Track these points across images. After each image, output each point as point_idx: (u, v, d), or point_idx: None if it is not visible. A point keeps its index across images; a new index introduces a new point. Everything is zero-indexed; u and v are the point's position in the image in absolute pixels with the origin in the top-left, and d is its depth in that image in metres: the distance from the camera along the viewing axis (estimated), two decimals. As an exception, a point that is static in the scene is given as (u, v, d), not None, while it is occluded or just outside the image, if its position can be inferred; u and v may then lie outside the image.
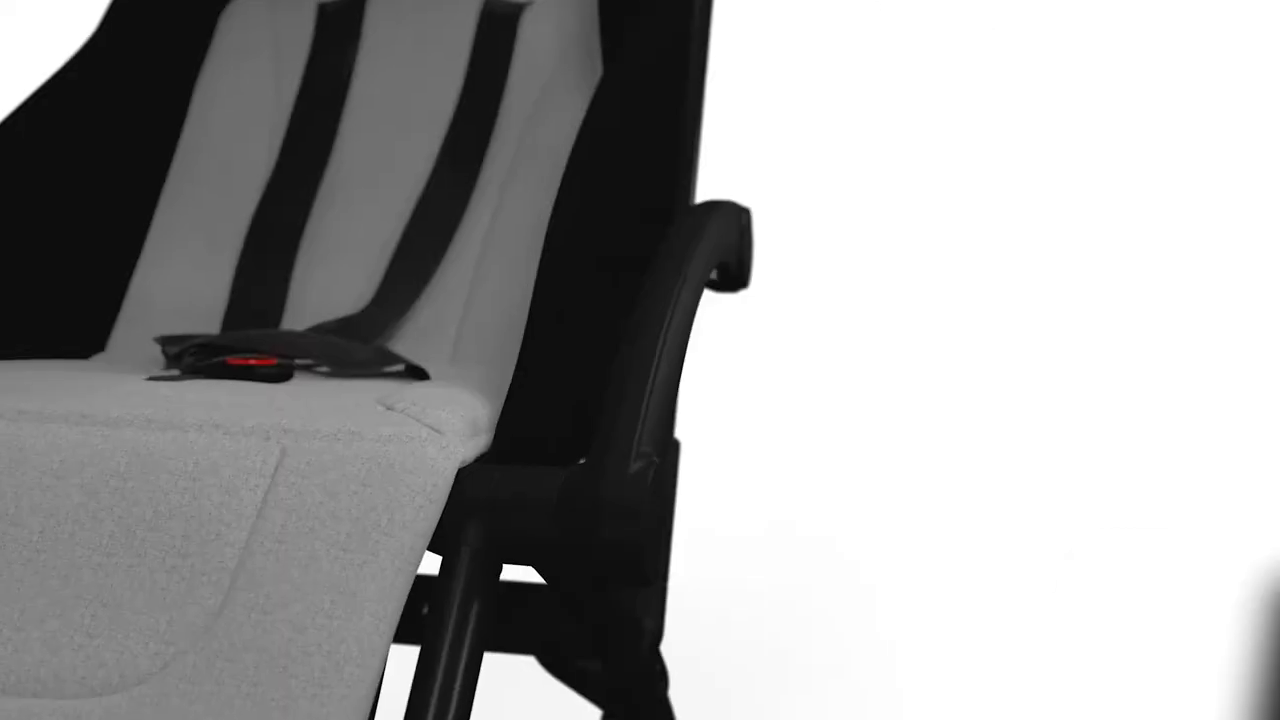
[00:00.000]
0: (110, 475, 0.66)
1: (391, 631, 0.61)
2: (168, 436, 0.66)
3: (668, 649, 0.95)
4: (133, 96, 1.09)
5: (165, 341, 0.94)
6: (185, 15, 1.11)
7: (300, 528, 0.62)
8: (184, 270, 1.05)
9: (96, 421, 0.68)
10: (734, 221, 0.92)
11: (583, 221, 0.79)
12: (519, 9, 1.06)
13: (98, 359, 1.02)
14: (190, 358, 0.90)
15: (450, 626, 0.62)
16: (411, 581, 0.62)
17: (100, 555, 0.64)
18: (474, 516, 0.64)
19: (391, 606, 0.61)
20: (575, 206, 0.78)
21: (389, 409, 0.69)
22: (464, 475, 0.65)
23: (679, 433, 0.97)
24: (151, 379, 0.79)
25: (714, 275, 0.96)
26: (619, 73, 0.89)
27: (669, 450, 0.91)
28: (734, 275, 0.95)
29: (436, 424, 0.67)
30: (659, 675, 0.91)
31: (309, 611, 0.61)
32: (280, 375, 0.88)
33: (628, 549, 0.63)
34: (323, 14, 1.10)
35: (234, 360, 0.88)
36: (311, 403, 0.71)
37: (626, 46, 0.92)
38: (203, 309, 1.03)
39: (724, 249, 0.90)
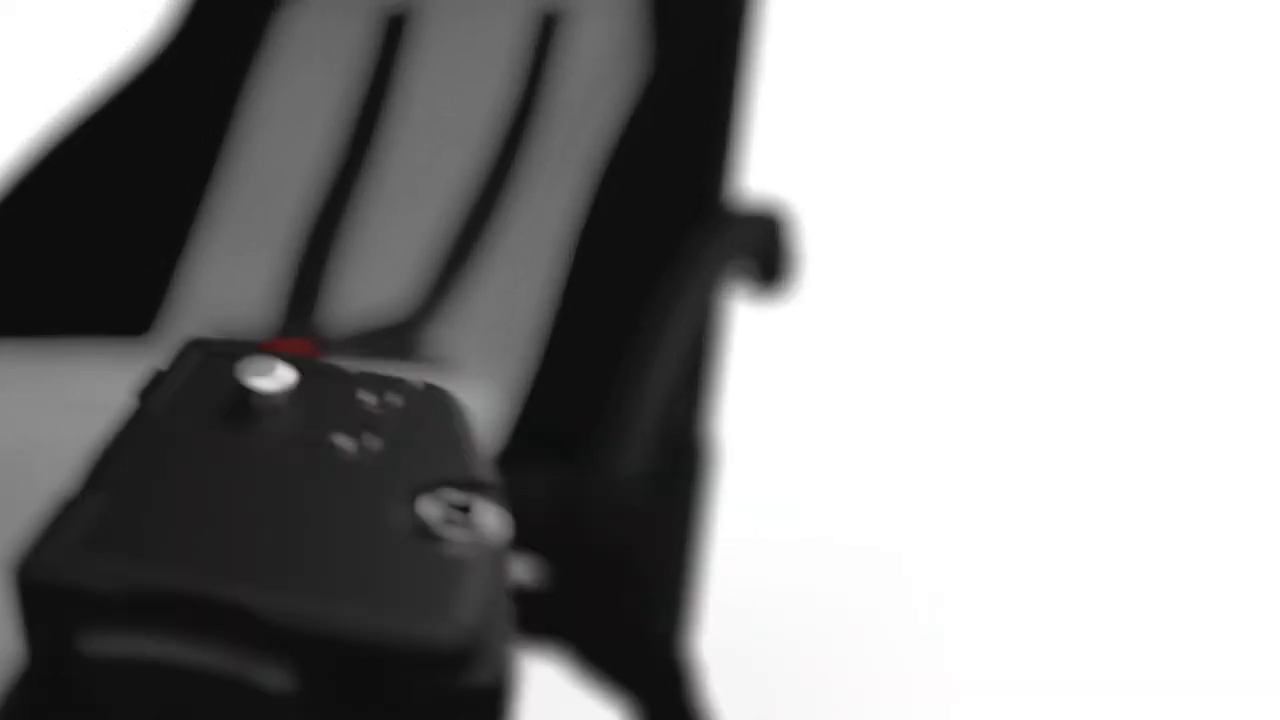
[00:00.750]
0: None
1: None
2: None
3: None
4: (190, 92, 1.11)
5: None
6: (243, 15, 1.14)
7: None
8: (231, 262, 1.07)
9: (98, 408, 0.70)
10: (768, 224, 0.92)
11: (611, 222, 0.79)
12: (566, 12, 1.07)
13: (141, 340, 1.05)
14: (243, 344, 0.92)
15: None
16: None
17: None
18: None
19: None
20: (604, 207, 0.78)
21: None
22: None
23: (724, 436, 0.97)
24: None
25: (754, 278, 0.95)
26: (658, 73, 0.89)
27: (689, 454, 0.91)
28: (772, 280, 0.94)
29: None
30: (680, 679, 0.90)
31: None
32: None
33: (612, 550, 0.62)
34: (376, 17, 1.12)
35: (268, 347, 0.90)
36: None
37: (668, 46, 0.92)
38: (248, 299, 1.05)
39: (756, 252, 0.90)
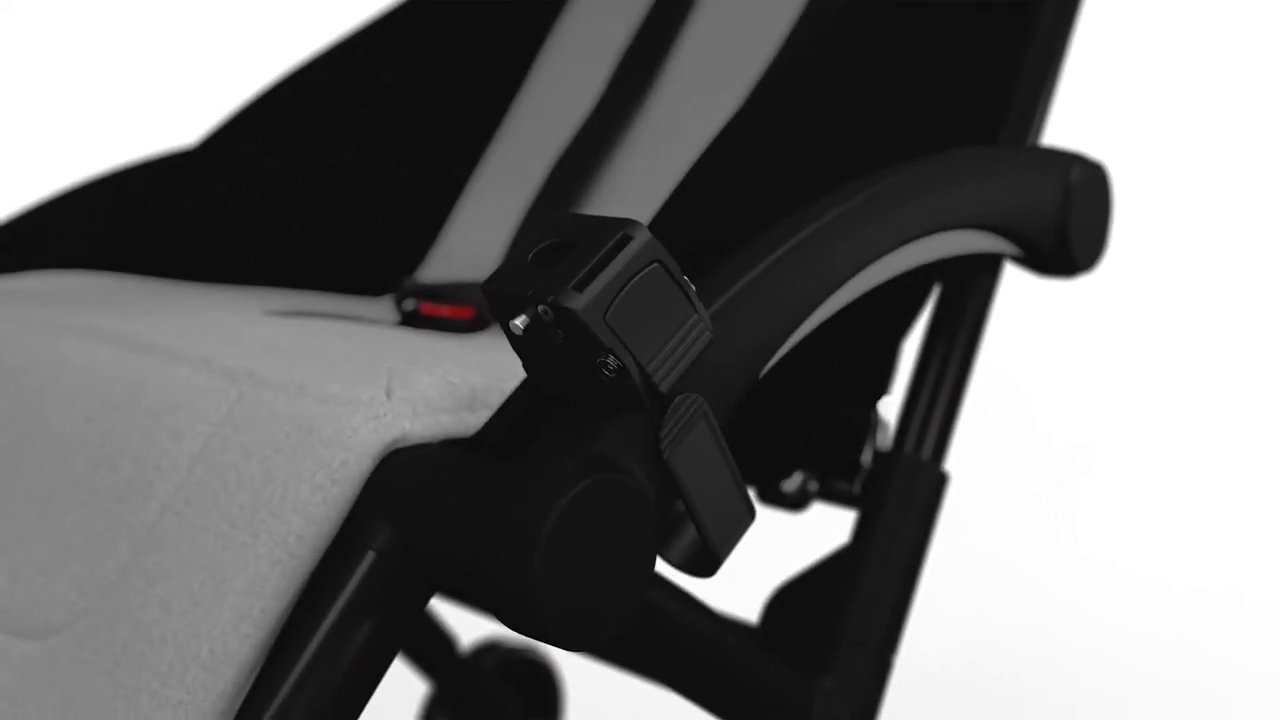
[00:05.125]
0: (105, 405, 0.59)
1: (259, 636, 0.48)
2: (160, 367, 0.58)
3: None
4: (491, 35, 1.03)
5: (411, 285, 0.88)
6: None
7: (209, 490, 0.52)
8: (486, 216, 0.98)
9: (123, 344, 0.61)
10: (1038, 177, 0.69)
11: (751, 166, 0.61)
12: None
13: (385, 299, 0.98)
14: (409, 300, 0.83)
15: (312, 648, 0.48)
16: (295, 581, 0.49)
17: (70, 489, 0.57)
18: (385, 513, 0.49)
19: (259, 606, 0.48)
20: (741, 147, 0.60)
21: (393, 365, 0.56)
22: (397, 458, 0.50)
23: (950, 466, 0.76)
24: (269, 314, 0.72)
25: (1019, 251, 0.72)
26: None
27: (898, 479, 0.70)
28: (1046, 253, 0.71)
29: (396, 386, 0.52)
30: None
31: (180, 592, 0.50)
32: (469, 327, 0.78)
33: (513, 588, 0.45)
34: None
35: (427, 309, 0.80)
36: (332, 348, 0.60)
37: None
38: (489, 256, 0.96)
39: (1006, 214, 0.68)
